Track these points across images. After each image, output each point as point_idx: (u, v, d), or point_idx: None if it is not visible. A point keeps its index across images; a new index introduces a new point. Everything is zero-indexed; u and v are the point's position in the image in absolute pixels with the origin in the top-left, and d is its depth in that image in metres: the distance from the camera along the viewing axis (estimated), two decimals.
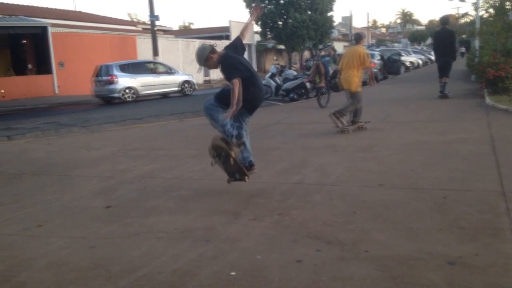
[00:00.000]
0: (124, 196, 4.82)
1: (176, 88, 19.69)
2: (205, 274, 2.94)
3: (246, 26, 5.00)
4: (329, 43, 14.67)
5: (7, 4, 27.27)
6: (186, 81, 20.29)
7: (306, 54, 27.25)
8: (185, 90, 20.01)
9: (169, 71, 19.87)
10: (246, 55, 30.64)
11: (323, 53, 13.85)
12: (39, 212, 4.37)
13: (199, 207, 4.30)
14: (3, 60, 22.63)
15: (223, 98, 4.52)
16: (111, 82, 17.76)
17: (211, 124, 4.66)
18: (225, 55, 4.48)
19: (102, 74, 18.08)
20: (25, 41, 22.76)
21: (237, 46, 4.74)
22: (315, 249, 3.22)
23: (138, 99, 18.36)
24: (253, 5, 5.28)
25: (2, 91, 19.14)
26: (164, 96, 19.66)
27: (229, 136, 4.45)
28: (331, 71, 12.89)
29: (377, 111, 10.80)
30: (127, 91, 18.03)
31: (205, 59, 4.45)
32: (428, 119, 9.10)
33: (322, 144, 7.02)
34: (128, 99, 17.95)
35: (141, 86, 18.49)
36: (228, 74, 4.34)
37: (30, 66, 22.36)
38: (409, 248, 3.18)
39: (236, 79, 4.19)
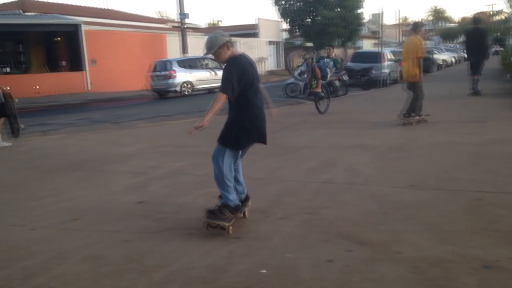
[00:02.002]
0: (155, 192, 4.91)
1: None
2: (236, 271, 2.98)
3: None
4: (328, 44, 13.23)
5: (42, 2, 28.04)
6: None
7: (296, 58, 25.09)
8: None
9: (218, 66, 20.31)
10: (273, 52, 30.50)
11: (314, 56, 12.13)
12: (74, 206, 4.50)
13: None
14: (38, 57, 23.29)
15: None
16: (170, 77, 18.51)
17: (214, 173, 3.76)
18: (237, 56, 3.71)
19: (160, 69, 18.93)
20: (58, 39, 23.35)
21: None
22: (346, 249, 3.21)
23: (192, 93, 19.10)
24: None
25: (37, 87, 19.73)
26: (210, 91, 19.99)
27: (227, 202, 3.69)
28: (329, 73, 11.59)
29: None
30: (185, 85, 18.86)
31: (217, 50, 3.65)
32: (461, 119, 8.89)
33: (351, 143, 6.96)
34: (185, 93, 18.80)
35: (197, 80, 19.29)
36: (222, 82, 3.61)
37: (63, 63, 22.94)
38: (443, 251, 3.14)
39: (224, 96, 3.53)
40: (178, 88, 18.71)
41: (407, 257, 3.06)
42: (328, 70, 11.33)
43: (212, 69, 19.91)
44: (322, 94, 10.98)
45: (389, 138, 7.28)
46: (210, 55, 3.80)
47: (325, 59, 11.56)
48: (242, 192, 3.93)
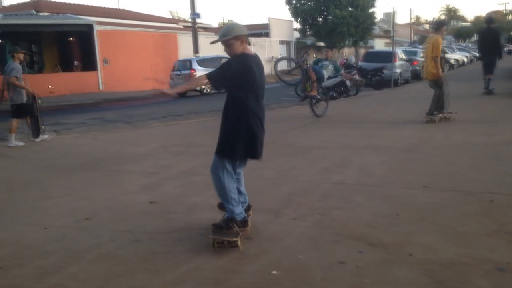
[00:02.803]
0: (167, 192, 4.93)
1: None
2: (248, 272, 2.98)
3: None
4: (325, 47, 12.58)
5: (55, 2, 28.34)
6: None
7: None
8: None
9: None
10: (285, 52, 30.37)
11: (307, 57, 10.55)
12: (88, 205, 4.54)
13: None
14: (51, 57, 23.55)
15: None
16: (191, 76, 18.73)
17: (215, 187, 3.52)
18: (249, 56, 3.34)
19: (181, 68, 19.36)
20: (71, 39, 23.57)
21: None
22: (357, 251, 3.20)
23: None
24: None
25: (51, 87, 19.94)
26: None
27: (233, 216, 3.41)
28: (326, 76, 10.80)
29: (420, 110, 10.54)
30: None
31: (231, 39, 3.28)
32: (474, 119, 8.80)
33: (364, 144, 6.93)
34: (206, 91, 19.15)
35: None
36: (217, 69, 3.35)
37: (76, 63, 23.16)
38: (456, 253, 3.11)
39: (206, 80, 3.29)
40: (198, 87, 18.89)
41: (420, 259, 3.04)
42: (325, 72, 10.59)
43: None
44: (319, 97, 10.32)
45: (402, 138, 7.23)
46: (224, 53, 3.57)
47: (324, 62, 10.88)
48: (244, 202, 3.69)
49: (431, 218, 3.76)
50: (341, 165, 5.74)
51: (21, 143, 8.15)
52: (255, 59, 3.38)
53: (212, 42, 3.74)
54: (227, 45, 3.32)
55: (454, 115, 8.58)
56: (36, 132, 8.50)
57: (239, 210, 3.46)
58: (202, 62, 19.89)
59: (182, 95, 19.44)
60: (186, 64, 19.58)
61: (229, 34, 3.27)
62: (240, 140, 3.33)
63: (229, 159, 3.39)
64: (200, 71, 18.94)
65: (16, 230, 3.91)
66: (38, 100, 8.47)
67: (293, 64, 10.23)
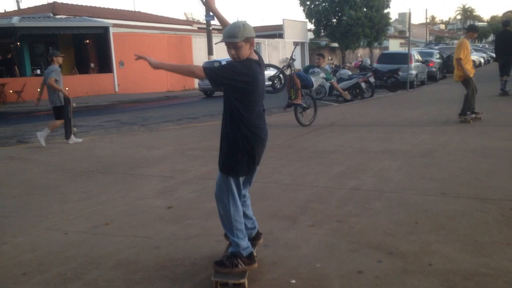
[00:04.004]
0: (184, 197, 4.97)
1: (269, 82, 21.00)
2: (266, 281, 2.99)
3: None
4: (319, 53, 11.68)
5: (71, 4, 28.72)
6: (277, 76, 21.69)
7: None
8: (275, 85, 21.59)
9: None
10: (299, 53, 30.47)
11: (292, 62, 9.61)
12: (106, 210, 4.60)
13: (256, 211, 4.31)
14: (68, 59, 23.84)
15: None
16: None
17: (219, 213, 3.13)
18: (254, 62, 2.94)
19: None
20: (88, 41, 23.87)
21: None
22: (376, 260, 3.18)
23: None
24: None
25: (67, 89, 20.17)
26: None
27: (238, 251, 3.00)
28: (316, 84, 10.26)
29: (437, 112, 10.46)
30: None
31: (240, 42, 2.86)
32: (492, 122, 8.68)
33: (380, 148, 6.89)
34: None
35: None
36: (219, 68, 2.92)
37: (92, 65, 23.44)
38: (476, 263, 3.08)
39: (201, 74, 2.88)
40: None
41: (439, 269, 3.02)
42: (314, 79, 10.03)
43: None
44: (304, 105, 9.67)
45: (419, 142, 7.17)
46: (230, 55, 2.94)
47: (314, 69, 10.33)
48: (252, 228, 3.28)
49: (450, 226, 3.73)
50: (357, 170, 5.72)
51: (78, 140, 8.75)
52: (260, 66, 2.99)
53: (217, 43, 3.31)
54: (235, 47, 2.87)
55: (482, 115, 8.95)
56: (68, 134, 8.75)
57: (245, 243, 3.04)
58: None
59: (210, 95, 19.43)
60: (214, 65, 19.77)
61: (238, 35, 2.84)
62: (243, 154, 2.96)
63: (235, 175, 3.00)
64: None
65: (39, 235, 3.98)
66: (72, 104, 8.80)
67: (278, 72, 9.63)
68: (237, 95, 2.90)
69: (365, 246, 3.42)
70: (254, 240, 3.25)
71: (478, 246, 3.35)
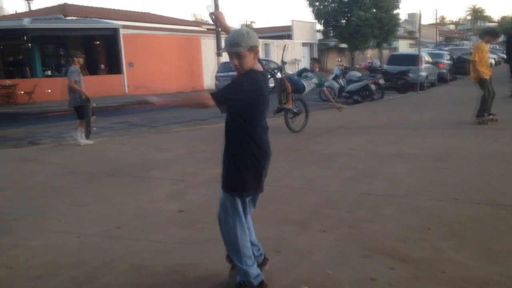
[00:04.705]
0: (194, 201, 4.98)
1: None
2: (277, 287, 2.99)
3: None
4: (313, 57, 11.00)
5: (82, 6, 28.92)
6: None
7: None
8: None
9: (277, 68, 21.22)
10: (307, 54, 30.41)
11: (284, 66, 9.29)
12: (117, 213, 4.62)
13: (267, 215, 4.35)
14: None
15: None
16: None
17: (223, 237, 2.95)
18: (259, 74, 2.73)
19: (224, 70, 19.66)
20: (98, 42, 24.01)
21: None
22: (388, 267, 3.17)
23: None
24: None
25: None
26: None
27: (247, 279, 2.81)
28: (307, 89, 9.50)
29: (448, 115, 10.39)
30: None
31: (244, 51, 2.65)
32: (503, 125, 8.61)
33: (390, 152, 6.85)
34: None
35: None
36: (224, 89, 2.66)
37: (102, 66, 23.58)
38: (489, 271, 3.06)
39: (211, 104, 2.59)
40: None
41: (452, 277, 3.00)
42: (306, 84, 9.40)
43: (272, 69, 20.43)
44: (295, 110, 9.18)
45: (430, 146, 7.13)
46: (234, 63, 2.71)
47: (308, 73, 9.75)
48: (259, 255, 3.07)
49: (463, 233, 3.70)
50: (368, 174, 5.69)
51: (90, 142, 8.78)
52: (264, 78, 2.77)
53: (219, 52, 2.97)
54: (238, 57, 2.66)
55: (498, 117, 9.05)
56: (88, 134, 8.93)
57: (255, 271, 2.81)
58: None
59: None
60: (228, 66, 19.85)
61: (242, 44, 2.62)
62: (251, 171, 2.77)
63: (242, 195, 2.79)
64: None
65: (52, 238, 4.00)
66: (93, 104, 9.00)
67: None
68: (245, 112, 2.70)
69: (377, 253, 3.41)
70: (260, 265, 3.05)
71: (492, 253, 3.32)
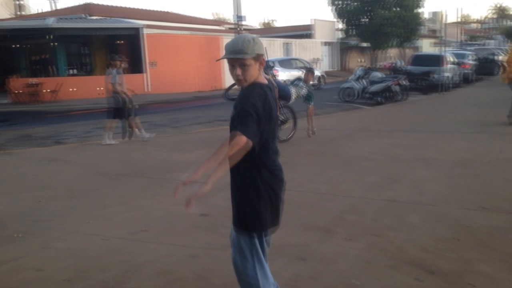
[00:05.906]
0: (217, 204, 5.00)
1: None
2: None
3: None
4: (309, 68, 10.17)
5: (105, 6, 29.32)
6: (321, 76, 23.94)
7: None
8: (320, 85, 22.91)
9: (304, 67, 21.43)
10: (328, 53, 30.44)
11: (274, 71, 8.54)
12: (142, 216, 4.68)
13: (291, 221, 4.33)
14: (101, 59, 24.37)
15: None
16: (274, 76, 19.50)
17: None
18: (265, 86, 2.32)
19: (264, 70, 19.84)
20: (121, 41, 24.32)
21: None
22: (415, 278, 3.14)
23: None
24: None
25: (101, 88, 20.63)
26: None
27: None
28: (294, 96, 8.40)
29: (474, 117, 10.19)
30: (285, 83, 20.67)
31: (249, 59, 2.24)
32: None
33: (414, 156, 6.77)
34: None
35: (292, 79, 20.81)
36: (241, 118, 2.20)
37: (124, 65, 23.87)
38: None
39: (245, 141, 2.16)
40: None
41: None
42: (293, 91, 8.46)
43: (301, 68, 21.03)
44: (281, 118, 8.42)
45: (455, 150, 7.01)
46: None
47: (300, 82, 9.03)
48: None
49: (492, 244, 3.63)
50: (392, 179, 5.63)
51: (114, 142, 8.99)
52: (271, 93, 2.36)
53: (219, 59, 2.55)
54: (242, 66, 2.25)
55: None
56: (124, 134, 9.25)
57: None
58: (283, 63, 21.49)
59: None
60: (268, 65, 19.74)
61: (247, 51, 2.23)
62: (266, 202, 2.36)
63: (259, 230, 2.38)
64: (281, 71, 20.14)
65: (80, 240, 4.08)
66: (135, 105, 9.28)
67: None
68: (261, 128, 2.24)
69: (404, 263, 3.37)
70: None
71: None
